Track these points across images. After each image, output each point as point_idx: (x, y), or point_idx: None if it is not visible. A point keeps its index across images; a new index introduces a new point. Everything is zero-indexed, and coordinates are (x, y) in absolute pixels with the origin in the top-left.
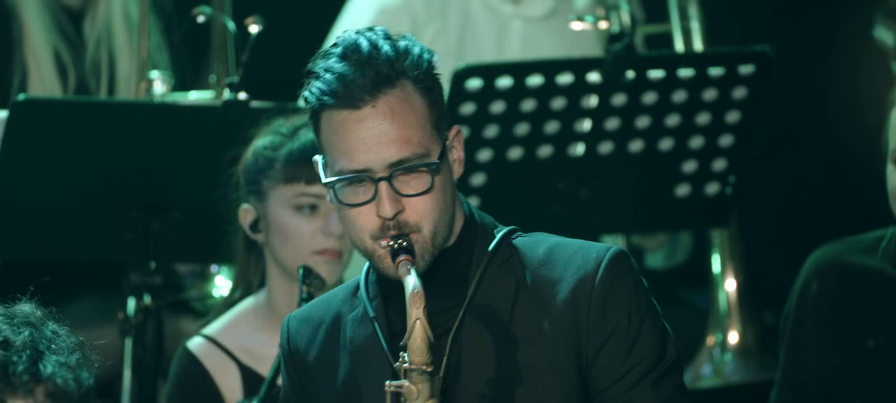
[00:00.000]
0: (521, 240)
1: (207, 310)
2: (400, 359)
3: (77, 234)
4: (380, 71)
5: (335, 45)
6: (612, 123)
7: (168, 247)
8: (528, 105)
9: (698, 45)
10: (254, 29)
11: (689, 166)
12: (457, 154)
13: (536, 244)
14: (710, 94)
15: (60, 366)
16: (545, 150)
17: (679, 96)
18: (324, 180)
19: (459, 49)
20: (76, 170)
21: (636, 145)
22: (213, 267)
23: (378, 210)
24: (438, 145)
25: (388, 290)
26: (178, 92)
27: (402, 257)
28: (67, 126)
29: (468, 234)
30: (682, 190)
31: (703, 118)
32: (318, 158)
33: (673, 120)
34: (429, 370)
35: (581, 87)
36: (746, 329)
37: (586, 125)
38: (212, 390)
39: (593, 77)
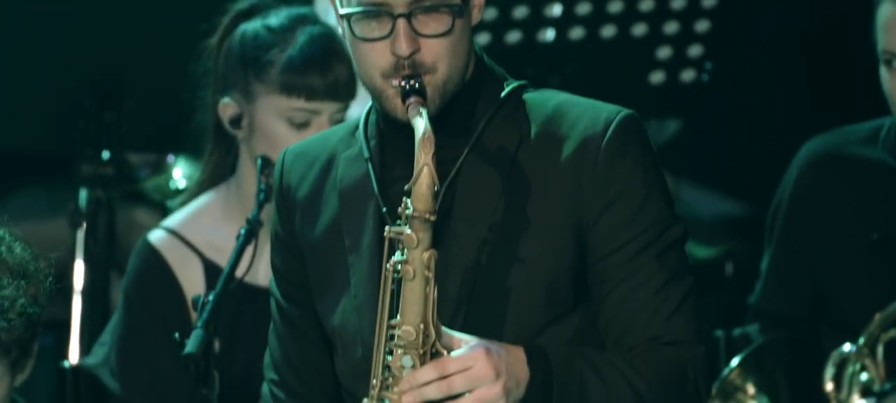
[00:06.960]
0: (530, 95)
1: (164, 200)
2: (402, 204)
3: (25, 123)
4: None
5: None
6: (584, 8)
7: (122, 137)
8: None
9: None
10: None
11: (664, 52)
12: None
13: (546, 99)
14: None
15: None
16: (513, 36)
17: None
18: (339, 11)
19: None
20: (24, 53)
21: (608, 31)
22: (170, 157)
23: (393, 47)
24: None
25: (387, 132)
26: None
27: (412, 98)
28: (13, 4)
29: (478, 81)
30: (657, 77)
31: (678, 3)
32: None
33: (647, 4)
34: (431, 219)
35: None
36: None
37: (556, 10)
38: (172, 285)
39: None
